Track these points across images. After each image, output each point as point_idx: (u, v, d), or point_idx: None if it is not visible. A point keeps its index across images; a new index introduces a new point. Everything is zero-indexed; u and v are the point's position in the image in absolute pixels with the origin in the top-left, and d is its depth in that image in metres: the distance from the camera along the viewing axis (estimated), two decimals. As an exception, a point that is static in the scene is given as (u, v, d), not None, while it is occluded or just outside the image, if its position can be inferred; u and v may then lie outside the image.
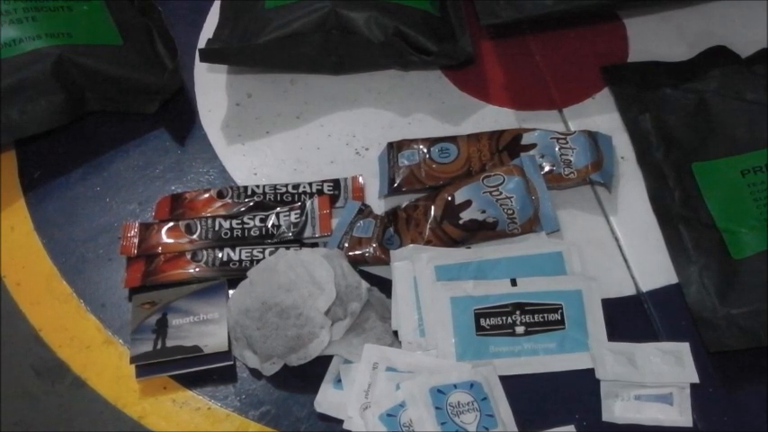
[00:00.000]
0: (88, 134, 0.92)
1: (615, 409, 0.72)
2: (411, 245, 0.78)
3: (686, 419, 0.71)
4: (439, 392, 0.69)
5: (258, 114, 0.92)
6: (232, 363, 0.76)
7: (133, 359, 0.75)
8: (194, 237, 0.81)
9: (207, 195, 0.85)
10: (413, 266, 0.76)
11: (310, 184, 0.85)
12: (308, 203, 0.83)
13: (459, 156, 0.84)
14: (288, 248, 0.79)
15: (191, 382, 0.76)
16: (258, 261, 0.78)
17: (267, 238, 0.81)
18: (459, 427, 0.67)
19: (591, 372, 0.73)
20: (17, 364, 0.78)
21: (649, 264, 0.80)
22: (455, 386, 0.70)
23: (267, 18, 0.88)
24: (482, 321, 0.74)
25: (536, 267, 0.77)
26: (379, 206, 0.84)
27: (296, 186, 0.85)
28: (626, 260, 0.81)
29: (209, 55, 0.89)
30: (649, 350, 0.73)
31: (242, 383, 0.76)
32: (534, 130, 0.85)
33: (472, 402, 0.69)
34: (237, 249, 0.80)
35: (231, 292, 0.78)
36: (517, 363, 0.73)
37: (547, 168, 0.82)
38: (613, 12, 0.98)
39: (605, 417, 0.72)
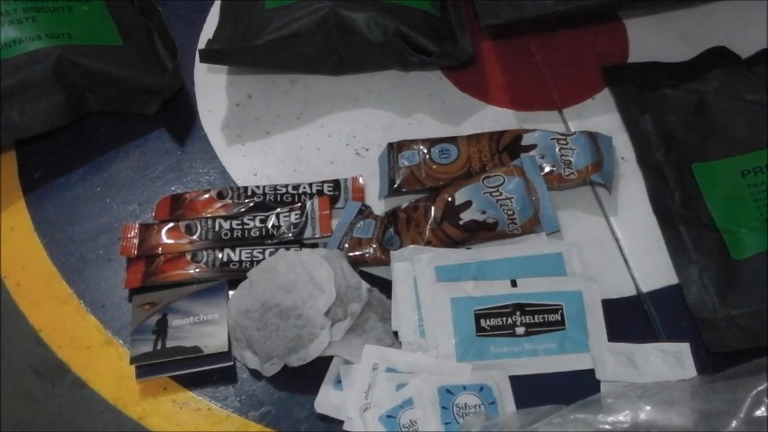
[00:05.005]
0: (88, 134, 0.92)
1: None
2: (411, 245, 0.78)
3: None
4: (447, 392, 0.69)
5: (258, 115, 0.92)
6: (232, 363, 0.76)
7: (133, 360, 0.75)
8: (194, 237, 0.81)
9: (207, 196, 0.85)
10: (413, 267, 0.76)
11: (310, 185, 0.85)
12: (308, 204, 0.83)
13: (460, 156, 0.84)
14: (288, 249, 0.79)
15: (191, 382, 0.76)
16: (258, 262, 0.79)
17: (267, 239, 0.81)
18: (461, 428, 0.67)
19: (591, 372, 0.73)
20: (17, 365, 0.78)
21: (649, 264, 0.80)
22: (464, 387, 0.70)
23: (267, 18, 0.88)
24: (482, 322, 0.74)
25: (536, 268, 0.77)
26: (379, 207, 0.84)
27: (296, 187, 0.85)
28: (626, 261, 0.81)
29: (209, 55, 0.89)
30: (649, 351, 0.73)
31: (242, 384, 0.76)
32: (534, 130, 0.85)
33: (479, 405, 0.69)
34: (237, 250, 0.80)
35: (231, 292, 0.78)
36: (517, 363, 0.73)
37: (547, 169, 0.82)
38: (613, 12, 0.98)
39: (605, 417, 0.72)
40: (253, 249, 0.80)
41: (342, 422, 0.71)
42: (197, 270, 0.79)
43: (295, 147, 0.90)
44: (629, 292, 0.79)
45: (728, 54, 0.91)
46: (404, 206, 0.82)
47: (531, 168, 0.81)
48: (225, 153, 0.90)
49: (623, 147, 0.87)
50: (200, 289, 0.79)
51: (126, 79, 0.87)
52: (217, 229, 0.82)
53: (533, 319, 0.74)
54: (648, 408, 0.64)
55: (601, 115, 0.90)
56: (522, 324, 0.74)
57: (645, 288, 0.79)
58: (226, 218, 0.82)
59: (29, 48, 0.85)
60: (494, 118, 0.91)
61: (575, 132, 0.85)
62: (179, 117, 0.93)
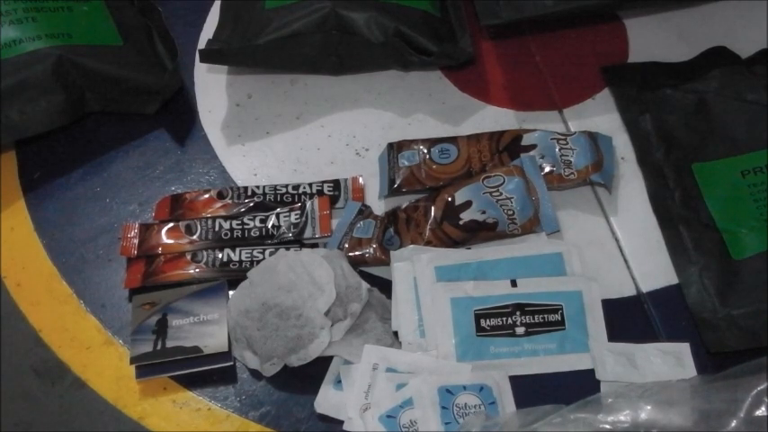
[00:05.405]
0: (88, 134, 0.92)
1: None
2: (411, 245, 0.78)
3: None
4: (447, 392, 0.69)
5: (258, 115, 0.92)
6: (232, 363, 0.76)
7: (133, 360, 0.75)
8: (194, 237, 0.81)
9: (207, 196, 0.85)
10: (413, 267, 0.76)
11: (310, 185, 0.85)
12: (308, 204, 0.83)
13: (460, 156, 0.84)
14: (288, 249, 0.79)
15: (191, 382, 0.76)
16: (258, 262, 0.79)
17: (267, 239, 0.81)
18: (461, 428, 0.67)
19: (591, 372, 0.73)
20: (17, 365, 0.78)
21: (649, 264, 0.80)
22: (464, 387, 0.70)
23: (267, 18, 0.88)
24: (482, 322, 0.74)
25: (536, 268, 0.77)
26: (379, 207, 0.84)
27: (296, 187, 0.85)
28: (626, 261, 0.81)
29: (209, 55, 0.89)
30: (650, 350, 0.73)
31: (242, 384, 0.76)
32: (534, 130, 0.85)
33: (479, 405, 0.69)
34: (237, 250, 0.80)
35: (231, 292, 0.78)
36: (517, 363, 0.73)
37: (547, 169, 0.82)
38: (613, 12, 0.98)
39: (605, 417, 0.72)
40: (253, 249, 0.80)
41: (342, 422, 0.71)
42: (197, 270, 0.79)
43: (295, 147, 0.90)
44: (629, 292, 0.79)
45: (728, 54, 0.91)
46: (404, 206, 0.82)
47: (531, 168, 0.81)
48: (225, 153, 0.90)
49: (623, 147, 0.88)
50: (200, 289, 0.79)
51: (126, 79, 0.87)
52: (217, 229, 0.82)
53: (533, 319, 0.74)
54: (648, 407, 0.64)
55: (601, 115, 0.90)
56: (522, 324, 0.74)
57: (645, 288, 0.79)
58: (226, 218, 0.82)
59: (29, 48, 0.85)
60: (494, 118, 0.91)
61: (575, 132, 0.85)
62: (179, 117, 0.93)
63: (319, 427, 0.73)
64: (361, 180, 0.86)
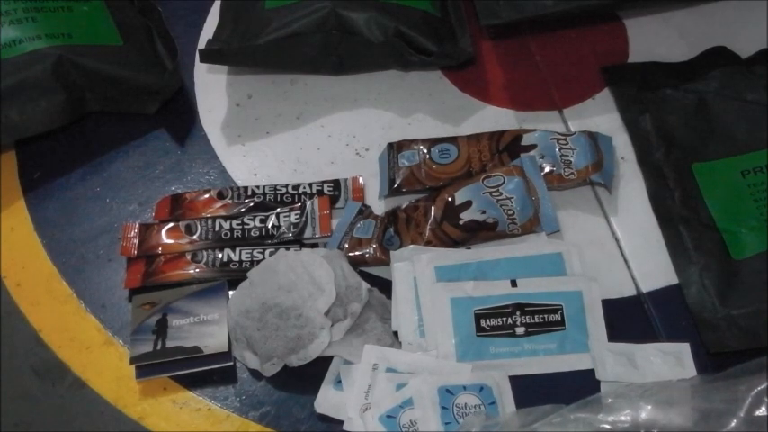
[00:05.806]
0: (88, 134, 0.92)
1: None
2: (411, 245, 0.78)
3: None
4: (447, 392, 0.69)
5: (258, 115, 0.92)
6: (232, 363, 0.76)
7: (133, 360, 0.75)
8: (194, 237, 0.81)
9: (207, 196, 0.85)
10: (413, 267, 0.76)
11: (310, 185, 0.85)
12: (308, 204, 0.83)
13: (460, 156, 0.84)
14: (288, 249, 0.79)
15: (191, 382, 0.76)
16: (258, 262, 0.79)
17: (267, 239, 0.81)
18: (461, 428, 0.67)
19: (591, 372, 0.73)
20: (17, 365, 0.78)
21: (649, 264, 0.80)
22: (464, 387, 0.70)
23: (267, 18, 0.88)
24: (482, 322, 0.74)
25: (536, 268, 0.77)
26: (379, 207, 0.84)
27: (296, 187, 0.85)
28: (626, 261, 0.81)
29: (209, 55, 0.89)
30: (650, 351, 0.73)
31: (242, 384, 0.76)
32: (534, 130, 0.85)
33: (479, 405, 0.69)
34: (237, 250, 0.80)
35: (231, 292, 0.78)
36: (517, 363, 0.73)
37: (547, 169, 0.82)
38: (613, 12, 0.98)
39: (605, 417, 0.72)
40: (253, 249, 0.80)
41: (342, 422, 0.71)
42: (197, 270, 0.79)
43: (295, 147, 0.90)
44: (629, 292, 0.79)
45: (728, 54, 0.91)
46: (404, 206, 0.82)
47: (531, 168, 0.81)
48: (225, 153, 0.90)
49: (623, 147, 0.88)
50: (200, 289, 0.79)
51: (126, 79, 0.87)
52: (217, 229, 0.82)
53: (533, 319, 0.74)
54: (649, 407, 0.64)
55: (601, 115, 0.90)
56: (522, 324, 0.74)
57: (645, 288, 0.79)
58: (226, 218, 0.82)
59: (29, 48, 0.85)
60: (494, 118, 0.91)
61: (575, 132, 0.85)
62: (179, 117, 0.93)
63: (319, 427, 0.73)
64: (361, 180, 0.86)
